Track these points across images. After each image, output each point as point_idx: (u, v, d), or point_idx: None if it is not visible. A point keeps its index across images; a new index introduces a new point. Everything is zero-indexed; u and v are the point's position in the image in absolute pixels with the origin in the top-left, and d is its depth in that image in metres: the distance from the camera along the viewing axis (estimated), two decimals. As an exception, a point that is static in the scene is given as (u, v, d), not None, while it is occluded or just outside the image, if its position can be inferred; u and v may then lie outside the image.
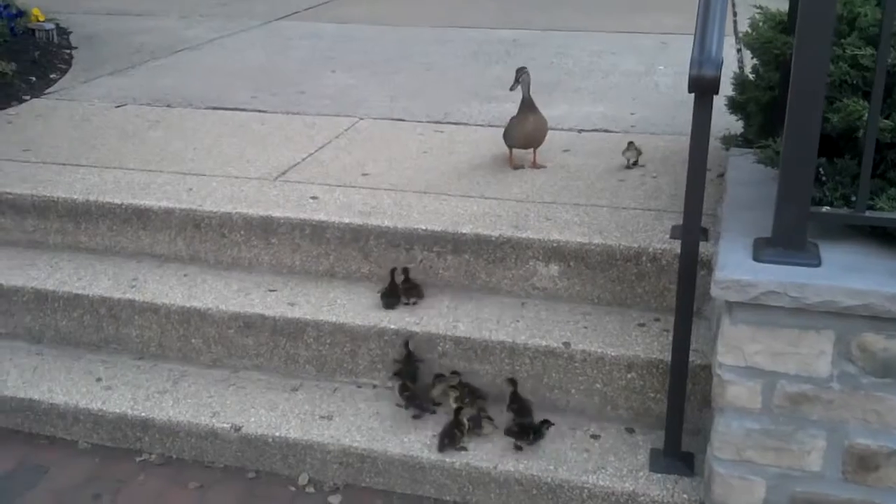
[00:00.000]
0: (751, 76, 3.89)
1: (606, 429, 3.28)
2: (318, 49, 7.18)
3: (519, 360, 3.36)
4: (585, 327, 3.43)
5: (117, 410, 3.44)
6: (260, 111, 5.44)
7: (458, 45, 7.22)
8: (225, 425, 3.34)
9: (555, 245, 3.58)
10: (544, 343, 3.34)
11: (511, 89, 4.25)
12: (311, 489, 3.24)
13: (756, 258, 2.69)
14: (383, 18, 8.37)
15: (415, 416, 3.33)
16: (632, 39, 7.32)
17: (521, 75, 4.21)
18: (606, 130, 4.98)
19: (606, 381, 3.31)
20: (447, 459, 3.13)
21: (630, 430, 3.27)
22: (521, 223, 3.72)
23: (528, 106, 4.25)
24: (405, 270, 3.69)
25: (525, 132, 4.31)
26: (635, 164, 4.23)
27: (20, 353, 3.81)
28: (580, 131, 4.98)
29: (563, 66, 6.41)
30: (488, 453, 3.16)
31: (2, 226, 4.21)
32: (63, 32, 7.44)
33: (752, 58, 3.84)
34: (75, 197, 4.08)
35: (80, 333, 3.81)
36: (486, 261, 3.68)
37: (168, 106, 5.55)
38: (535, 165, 4.38)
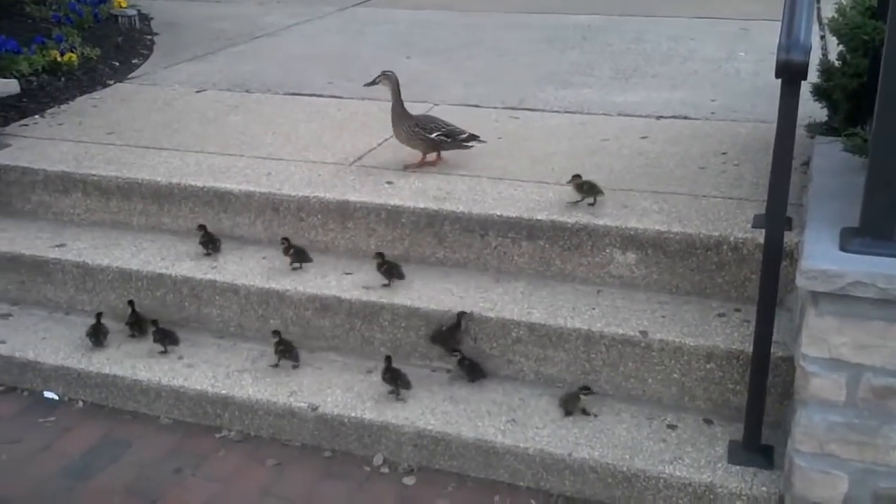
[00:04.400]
0: (837, 63, 3.79)
1: (684, 419, 3.24)
2: (393, 35, 7.21)
3: (595, 347, 3.34)
4: (663, 316, 3.39)
5: (198, 387, 3.51)
6: (336, 97, 5.49)
7: (532, 31, 7.18)
8: (302, 405, 3.39)
9: (632, 233, 3.54)
10: (621, 331, 3.31)
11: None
12: (385, 469, 3.28)
13: (843, 248, 2.63)
14: (457, 4, 8.36)
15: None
16: (711, 25, 7.19)
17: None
18: (686, 117, 4.91)
19: (684, 371, 3.27)
20: (521, 445, 3.13)
21: (708, 422, 3.22)
22: (597, 210, 3.69)
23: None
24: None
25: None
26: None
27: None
28: (658, 118, 4.91)
29: (641, 52, 6.33)
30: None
31: (88, 207, 4.33)
32: (145, 18, 7.62)
33: (839, 44, 3.74)
34: (158, 179, 4.18)
35: (163, 312, 3.89)
36: (561, 248, 3.66)
37: (247, 91, 5.64)
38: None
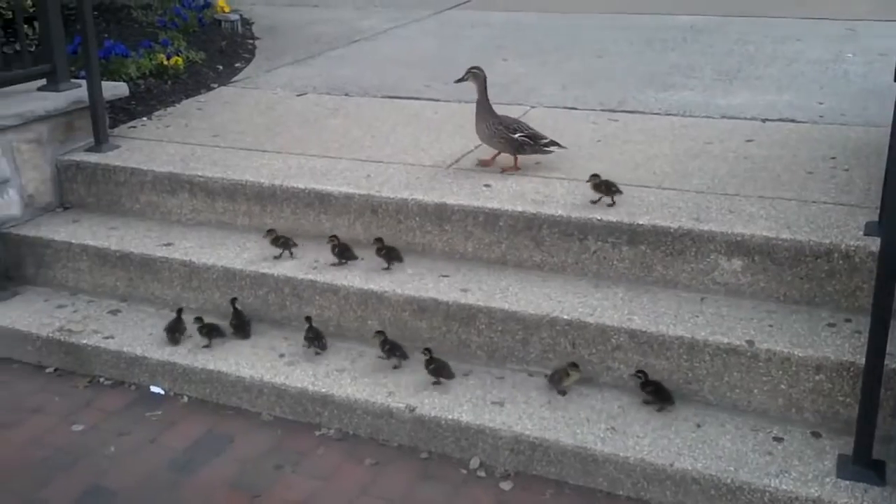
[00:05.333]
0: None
1: (791, 432, 3.14)
2: (488, 38, 7.21)
3: (698, 356, 3.27)
4: (770, 325, 3.30)
5: (299, 385, 3.56)
6: (433, 100, 5.51)
7: (631, 32, 7.09)
8: (400, 405, 3.41)
9: (738, 239, 3.46)
10: (726, 340, 3.24)
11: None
12: (482, 473, 3.27)
13: (966, 258, 2.51)
14: (553, 5, 8.32)
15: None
16: (817, 25, 6.99)
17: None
18: (792, 120, 4.78)
19: (792, 383, 3.17)
20: (621, 454, 3.08)
21: (816, 435, 3.12)
22: (702, 215, 3.62)
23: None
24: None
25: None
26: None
27: (209, 327, 4.01)
28: (764, 121, 4.79)
29: (745, 53, 6.19)
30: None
31: (194, 207, 4.44)
32: (246, 23, 7.81)
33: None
34: (262, 181, 4.26)
35: (265, 311, 3.98)
36: (663, 253, 3.60)
37: (346, 95, 5.71)
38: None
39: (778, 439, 3.11)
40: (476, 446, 3.30)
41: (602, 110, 5.14)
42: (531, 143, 4.21)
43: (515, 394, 3.44)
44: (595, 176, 3.80)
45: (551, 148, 4.24)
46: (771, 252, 3.43)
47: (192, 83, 6.04)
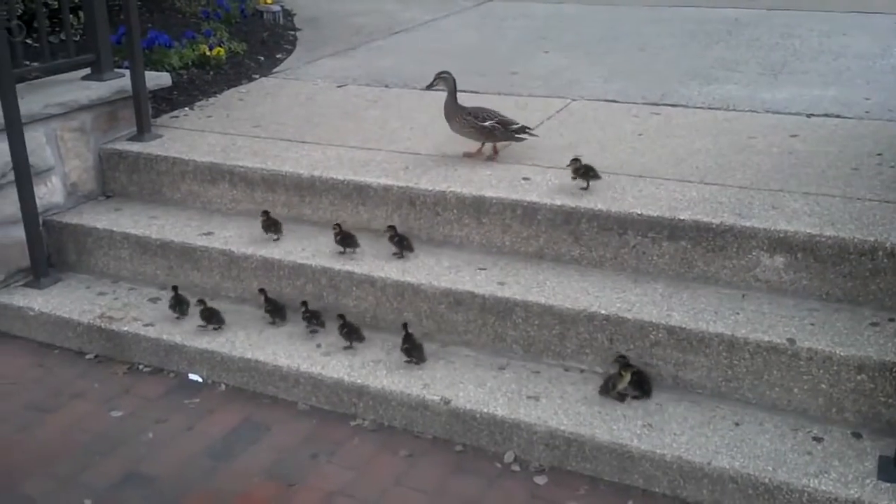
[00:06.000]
0: None
1: (831, 432, 3.09)
2: (530, 29, 7.18)
3: (738, 354, 3.23)
4: (812, 324, 3.25)
5: (335, 376, 3.57)
6: (472, 92, 5.46)
7: (674, 25, 7.01)
8: (435, 398, 3.41)
9: (781, 235, 3.41)
10: (766, 338, 3.19)
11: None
12: (516, 468, 3.25)
13: None
14: (596, -3, 8.27)
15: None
16: (864, 19, 6.86)
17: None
18: (838, 116, 4.70)
19: (833, 382, 3.12)
20: (657, 451, 3.05)
21: (857, 435, 3.07)
22: (744, 211, 3.57)
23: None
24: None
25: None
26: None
27: (247, 316, 4.03)
28: (809, 116, 4.71)
29: (790, 47, 6.09)
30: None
31: (234, 197, 4.47)
32: (288, 14, 7.84)
33: None
34: (301, 172, 4.27)
35: (302, 300, 3.98)
36: (704, 249, 3.56)
37: (385, 86, 5.71)
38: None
39: (818, 439, 3.06)
40: (511, 440, 3.29)
41: (644, 103, 5.09)
42: (501, 128, 4.25)
43: (551, 388, 3.42)
44: (575, 160, 3.85)
45: (522, 135, 4.29)
46: (814, 249, 3.37)
47: (233, 74, 6.07)
